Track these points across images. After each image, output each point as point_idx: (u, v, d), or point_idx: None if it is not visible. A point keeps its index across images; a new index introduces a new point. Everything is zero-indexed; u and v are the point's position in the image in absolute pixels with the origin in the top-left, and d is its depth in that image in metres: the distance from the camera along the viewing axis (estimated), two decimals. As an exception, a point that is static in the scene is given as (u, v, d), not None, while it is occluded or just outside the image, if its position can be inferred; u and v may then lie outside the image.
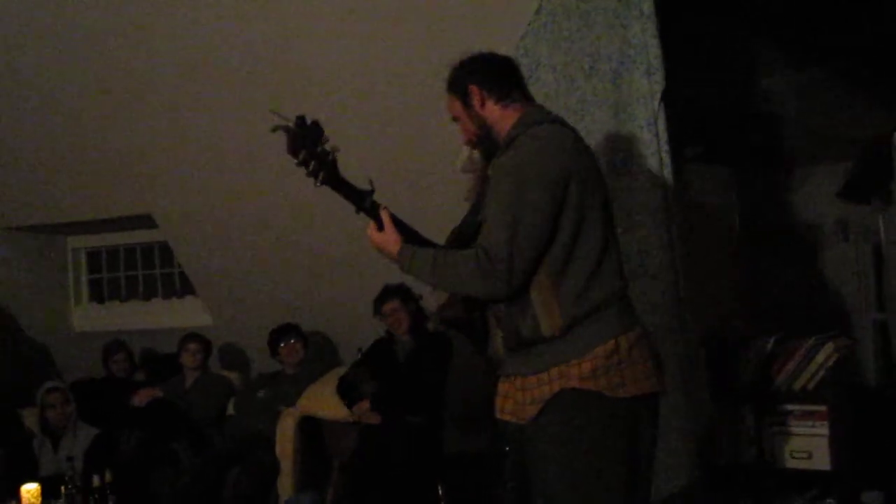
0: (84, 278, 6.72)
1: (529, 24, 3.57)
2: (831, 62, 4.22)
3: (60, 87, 5.11)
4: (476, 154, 3.75)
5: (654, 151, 3.34)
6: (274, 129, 2.44)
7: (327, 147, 2.47)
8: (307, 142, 2.44)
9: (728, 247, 4.51)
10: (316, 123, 2.45)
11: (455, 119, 2.59)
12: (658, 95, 3.32)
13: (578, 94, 3.45)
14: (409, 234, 2.52)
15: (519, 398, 2.39)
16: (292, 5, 4.35)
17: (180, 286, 6.41)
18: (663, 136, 3.34)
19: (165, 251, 6.31)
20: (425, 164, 4.57)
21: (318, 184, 2.47)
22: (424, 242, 2.52)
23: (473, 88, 2.51)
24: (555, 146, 2.33)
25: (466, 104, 2.53)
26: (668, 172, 3.33)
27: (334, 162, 2.47)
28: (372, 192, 2.51)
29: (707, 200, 4.33)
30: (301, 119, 2.45)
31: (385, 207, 2.52)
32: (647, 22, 3.36)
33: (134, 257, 6.61)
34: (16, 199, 5.87)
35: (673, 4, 3.45)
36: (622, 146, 3.37)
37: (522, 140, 2.36)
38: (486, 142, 2.54)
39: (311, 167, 2.44)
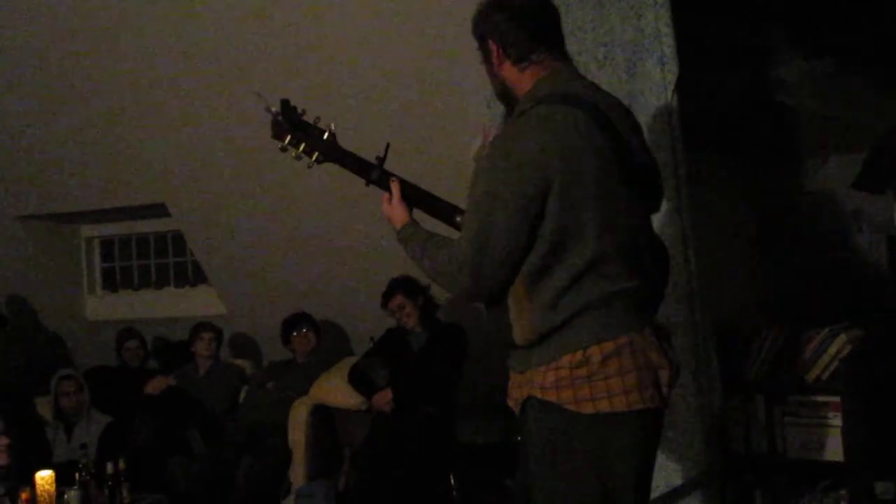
0: (97, 267, 6.75)
1: (543, 14, 3.55)
2: (844, 51, 4.19)
3: (74, 77, 5.13)
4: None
5: (668, 142, 3.32)
6: (267, 110, 2.41)
7: (321, 125, 2.41)
8: (292, 125, 2.39)
9: (740, 238, 4.50)
10: (294, 107, 2.41)
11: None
12: (672, 85, 3.30)
13: (592, 84, 3.44)
14: (424, 201, 2.39)
15: (513, 391, 2.29)
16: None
17: (192, 275, 6.43)
18: (676, 126, 3.33)
19: (178, 240, 6.33)
20: (433, 134, 4.56)
21: (313, 163, 2.41)
22: (444, 208, 2.39)
23: (492, 44, 2.26)
24: (546, 139, 2.07)
25: (487, 59, 2.30)
26: (680, 162, 3.32)
27: (333, 138, 2.40)
28: (381, 162, 2.40)
29: (719, 191, 4.31)
30: (285, 102, 2.40)
31: (396, 178, 2.38)
32: (660, 11, 3.33)
33: (147, 246, 6.63)
34: (30, 188, 5.90)
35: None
36: (635, 136, 3.35)
37: (513, 127, 2.16)
38: (506, 101, 2.33)
39: (301, 148, 2.39)
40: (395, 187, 2.36)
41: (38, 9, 4.85)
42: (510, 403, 2.33)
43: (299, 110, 2.43)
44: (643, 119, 3.32)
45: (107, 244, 6.75)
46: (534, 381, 2.15)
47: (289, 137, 2.40)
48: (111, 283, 6.75)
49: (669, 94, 3.30)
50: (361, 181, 2.45)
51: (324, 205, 5.15)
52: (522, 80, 2.25)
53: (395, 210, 2.35)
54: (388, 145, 2.41)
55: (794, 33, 4.26)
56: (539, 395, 2.13)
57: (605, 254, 2.10)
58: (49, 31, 4.94)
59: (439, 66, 4.35)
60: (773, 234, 4.49)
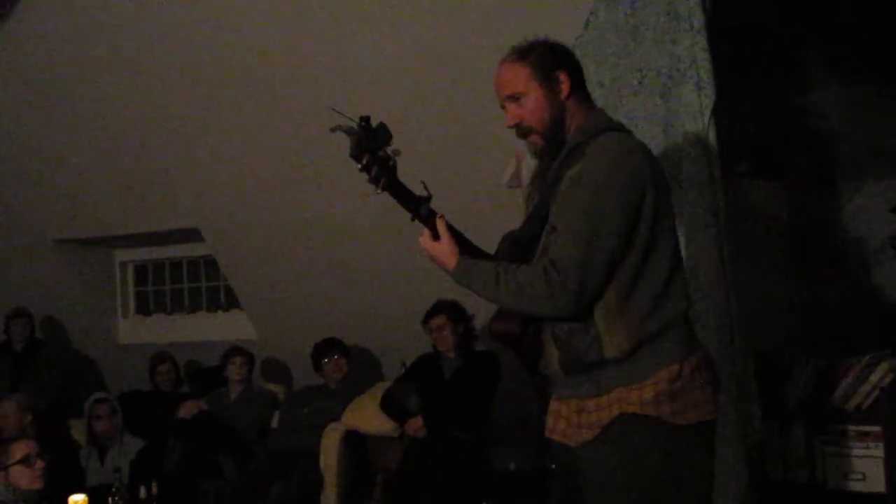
0: (130, 291, 6.80)
1: (577, 40, 3.55)
2: (880, 75, 4.16)
3: (109, 103, 5.19)
4: (524, 167, 3.75)
5: (704, 167, 3.29)
6: (334, 130, 2.32)
7: (389, 151, 2.34)
8: (372, 145, 2.30)
9: (779, 263, 4.45)
10: (383, 126, 2.32)
11: (513, 97, 2.37)
12: (708, 111, 3.27)
13: (627, 110, 3.42)
14: (462, 244, 2.41)
15: (573, 420, 2.30)
16: (340, 12, 4.38)
17: (225, 300, 6.46)
18: (713, 151, 3.30)
19: (211, 265, 6.36)
20: (476, 171, 4.56)
21: (380, 190, 2.34)
22: (477, 253, 2.42)
23: (564, 76, 2.35)
24: (629, 155, 2.24)
25: (550, 88, 2.35)
26: (717, 188, 3.29)
27: (394, 166, 2.34)
28: (429, 198, 2.40)
29: (757, 216, 4.27)
30: (365, 120, 2.31)
31: (441, 216, 2.40)
32: (697, 36, 3.31)
33: (180, 270, 6.68)
34: (64, 213, 5.96)
35: (723, 18, 3.42)
36: (672, 162, 3.33)
37: (593, 149, 2.25)
38: (551, 135, 2.36)
39: (373, 172, 2.30)
40: (441, 224, 2.38)
41: (69, 35, 4.91)
42: (555, 437, 2.35)
43: (382, 129, 2.34)
44: (679, 144, 3.31)
45: (140, 268, 6.81)
46: (626, 399, 2.21)
47: (367, 158, 2.30)
48: (144, 307, 6.79)
49: (706, 119, 3.28)
50: (394, 209, 2.43)
51: (356, 231, 5.17)
52: (579, 113, 2.37)
53: (444, 246, 2.37)
54: (424, 184, 2.42)
55: (830, 57, 4.23)
56: (639, 411, 2.20)
57: (679, 263, 2.31)
58: (82, 58, 5.01)
59: (474, 91, 4.36)
60: (810, 259, 4.44)
